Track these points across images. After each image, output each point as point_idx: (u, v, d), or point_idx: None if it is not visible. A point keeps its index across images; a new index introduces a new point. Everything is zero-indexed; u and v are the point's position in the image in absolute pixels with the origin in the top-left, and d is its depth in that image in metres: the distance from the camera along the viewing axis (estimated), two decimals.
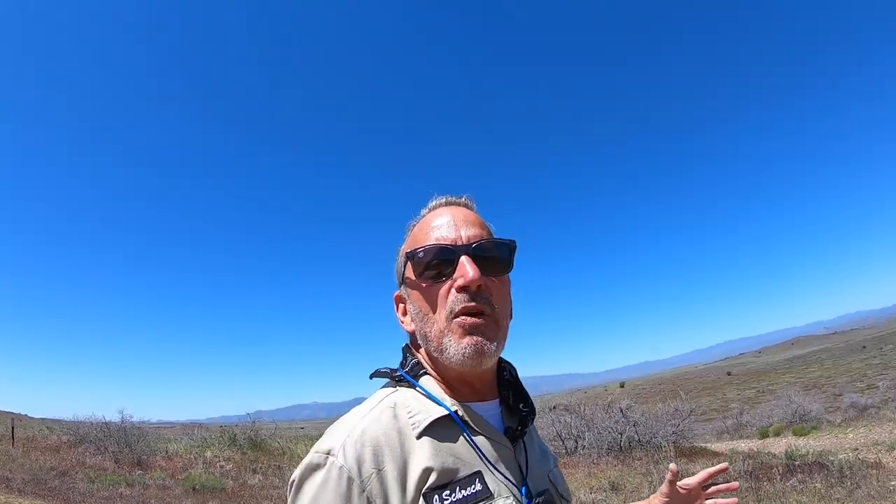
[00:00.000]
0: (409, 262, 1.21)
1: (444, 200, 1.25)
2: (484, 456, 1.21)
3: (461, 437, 1.21)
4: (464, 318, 1.21)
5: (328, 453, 1.22)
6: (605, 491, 9.36)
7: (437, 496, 1.21)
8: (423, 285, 1.21)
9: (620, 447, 14.18)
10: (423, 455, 1.21)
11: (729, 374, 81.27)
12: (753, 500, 7.44)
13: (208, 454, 14.89)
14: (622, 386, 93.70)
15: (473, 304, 1.21)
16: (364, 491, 1.21)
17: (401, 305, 1.25)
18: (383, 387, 1.22)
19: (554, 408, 18.99)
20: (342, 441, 1.22)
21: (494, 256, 1.21)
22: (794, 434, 16.05)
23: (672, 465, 1.34)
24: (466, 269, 1.21)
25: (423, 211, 1.25)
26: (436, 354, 1.21)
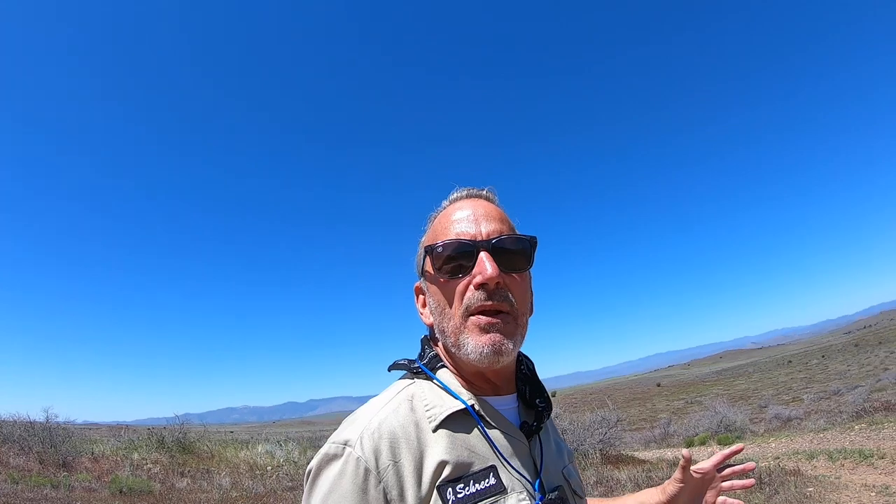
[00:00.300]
0: (428, 256, 1.21)
1: (465, 192, 1.23)
2: (499, 450, 1.22)
3: (477, 432, 1.22)
4: (480, 316, 1.22)
5: (346, 444, 1.24)
6: None
7: (450, 489, 1.23)
8: (442, 280, 1.22)
9: None
10: (439, 448, 1.23)
11: (659, 385, 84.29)
12: None
13: (136, 456, 14.28)
14: (553, 395, 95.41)
15: (491, 302, 1.22)
16: (380, 482, 1.23)
17: (420, 297, 1.24)
18: (400, 378, 1.22)
19: None
20: (359, 432, 1.23)
21: (514, 252, 1.22)
22: (719, 443, 16.54)
23: (684, 451, 1.31)
24: (486, 266, 1.22)
25: (445, 203, 1.23)
26: (453, 350, 1.22)
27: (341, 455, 1.23)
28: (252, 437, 22.44)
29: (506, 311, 1.21)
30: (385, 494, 1.22)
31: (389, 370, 1.23)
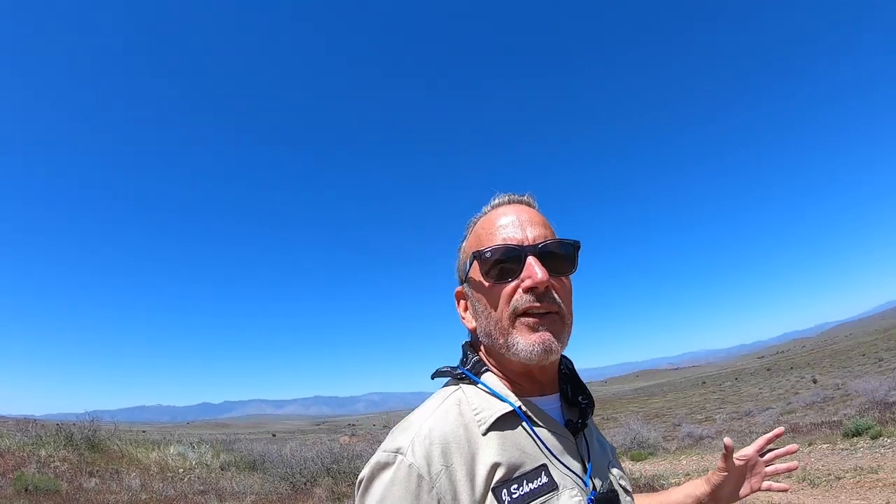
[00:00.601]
0: (475, 261, 1.24)
1: (506, 198, 1.25)
2: (548, 449, 1.25)
3: (525, 432, 1.25)
4: (528, 318, 1.25)
5: (397, 451, 1.24)
6: None
7: (505, 490, 1.24)
8: (488, 284, 1.24)
9: None
10: (491, 451, 1.25)
11: None
12: None
13: (43, 453, 13.37)
14: None
15: (540, 304, 1.25)
16: (433, 488, 1.24)
17: (462, 302, 1.25)
18: (445, 385, 1.25)
19: None
20: (410, 439, 1.24)
21: (560, 256, 1.24)
22: (632, 459, 17.07)
23: (726, 439, 1.31)
24: (535, 270, 1.24)
25: (486, 208, 1.25)
26: (502, 351, 1.25)
27: (393, 462, 1.24)
28: (164, 438, 21.51)
29: (554, 311, 1.24)
30: (438, 500, 1.24)
31: (433, 378, 1.25)
